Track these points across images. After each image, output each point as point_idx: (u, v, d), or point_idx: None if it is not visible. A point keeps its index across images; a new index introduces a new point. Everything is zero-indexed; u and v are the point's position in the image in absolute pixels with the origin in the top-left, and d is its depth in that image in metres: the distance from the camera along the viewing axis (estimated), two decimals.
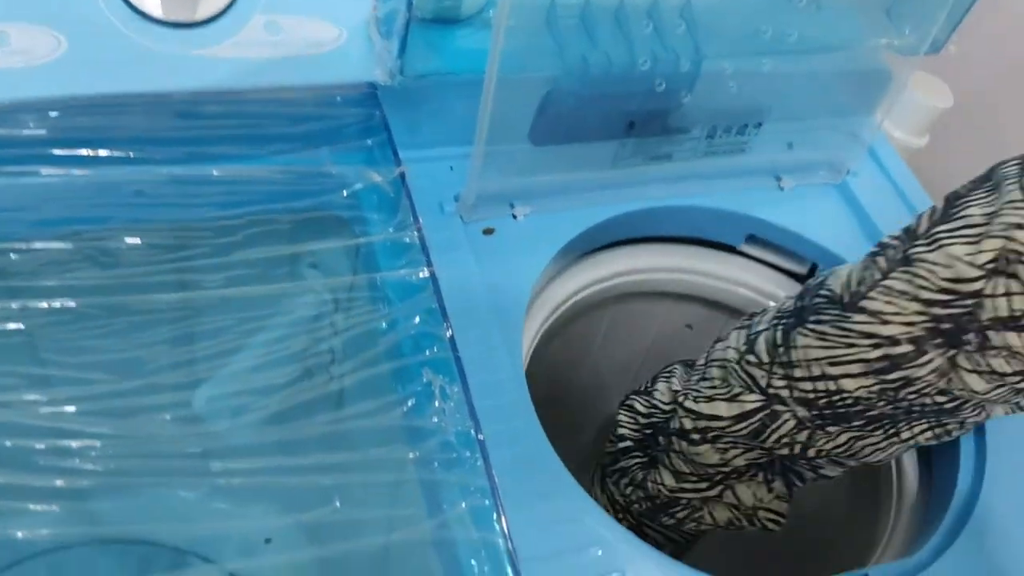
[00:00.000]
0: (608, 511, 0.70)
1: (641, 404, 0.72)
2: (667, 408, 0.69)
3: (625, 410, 0.73)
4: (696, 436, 0.63)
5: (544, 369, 0.81)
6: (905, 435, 0.58)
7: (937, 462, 0.69)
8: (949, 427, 0.58)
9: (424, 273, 0.56)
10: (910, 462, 0.72)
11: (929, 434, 0.58)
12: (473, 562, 0.46)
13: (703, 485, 0.66)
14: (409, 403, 0.51)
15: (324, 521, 0.61)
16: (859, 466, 0.63)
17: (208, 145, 0.56)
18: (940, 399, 0.55)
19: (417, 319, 0.54)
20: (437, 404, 0.51)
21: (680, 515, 0.67)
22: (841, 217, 0.78)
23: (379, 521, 0.54)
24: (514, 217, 0.72)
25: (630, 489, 0.71)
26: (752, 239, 0.79)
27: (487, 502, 0.48)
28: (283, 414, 0.57)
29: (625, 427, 0.72)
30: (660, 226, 0.78)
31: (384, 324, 0.54)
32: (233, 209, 0.55)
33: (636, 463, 0.71)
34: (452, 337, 0.55)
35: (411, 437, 0.50)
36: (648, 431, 0.71)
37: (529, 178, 0.72)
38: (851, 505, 0.79)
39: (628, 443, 0.72)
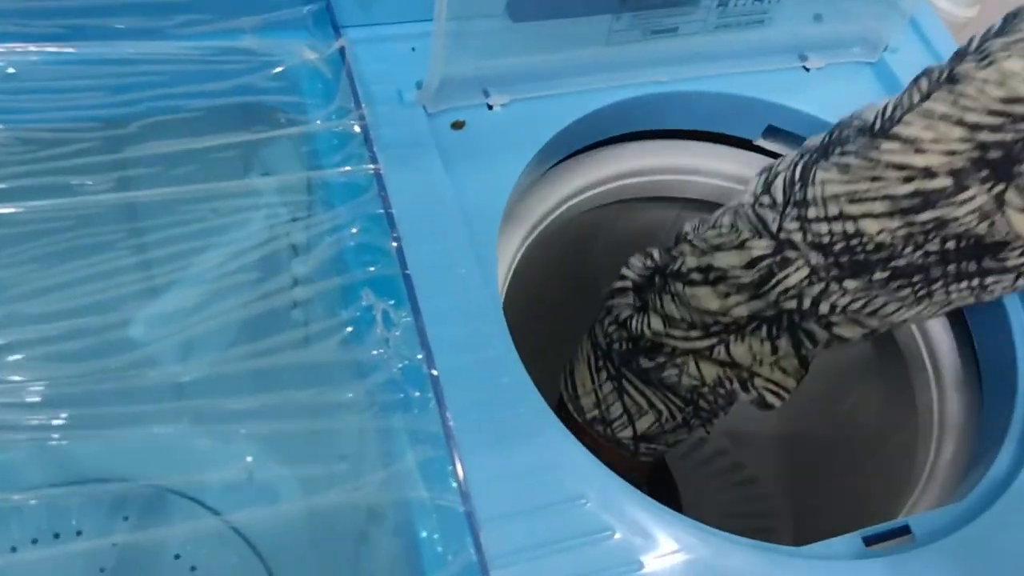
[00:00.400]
0: (589, 361, 0.63)
1: (657, 253, 0.62)
2: (674, 253, 0.59)
3: (640, 255, 0.63)
4: (696, 276, 0.54)
5: (527, 293, 0.70)
6: (938, 295, 0.49)
7: (988, 359, 0.59)
8: (989, 285, 0.49)
9: (368, 169, 0.45)
10: (952, 380, 0.61)
11: (966, 293, 0.49)
12: (423, 532, 0.37)
13: (694, 334, 0.56)
14: (347, 331, 0.41)
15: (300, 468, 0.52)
16: (881, 328, 0.53)
17: (97, 17, 0.45)
18: (978, 247, 0.46)
19: (355, 228, 0.43)
20: (379, 332, 0.41)
21: (661, 360, 0.58)
22: (878, 101, 0.66)
23: (344, 473, 0.46)
24: (489, 107, 0.60)
25: (613, 328, 0.62)
26: (772, 131, 0.68)
27: (440, 453, 0.38)
28: (226, 340, 0.48)
29: (631, 269, 0.63)
30: (663, 117, 0.67)
31: (321, 235, 0.43)
32: (128, 94, 0.44)
33: (626, 304, 0.61)
34: (399, 249, 0.44)
35: (352, 373, 0.41)
36: (648, 274, 0.62)
37: (507, 60, 0.61)
38: (879, 436, 0.69)
39: (627, 283, 0.62)
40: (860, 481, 0.71)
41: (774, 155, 0.69)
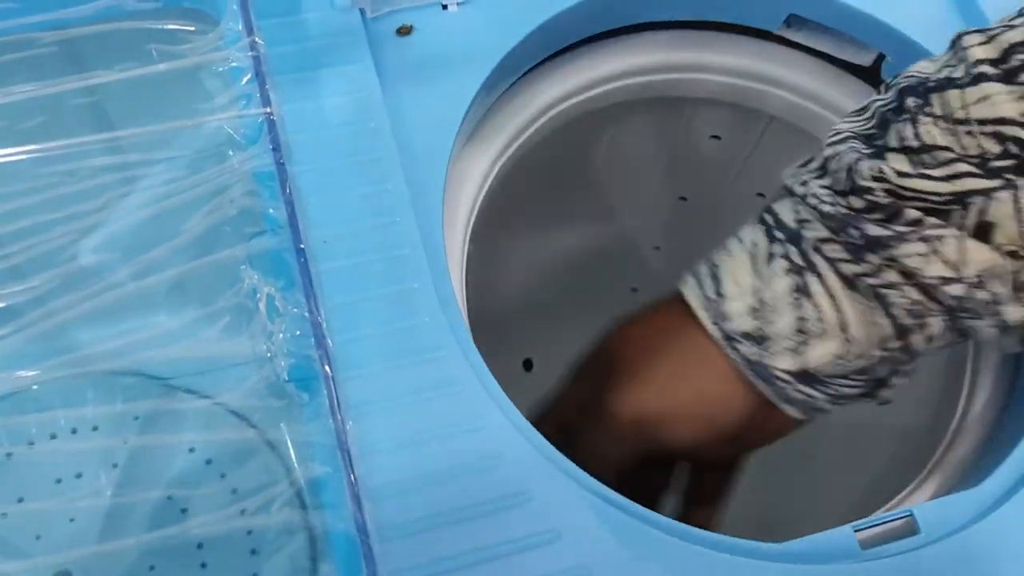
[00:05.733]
0: (755, 249, 0.43)
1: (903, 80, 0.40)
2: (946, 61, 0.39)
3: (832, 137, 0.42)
4: (989, 69, 0.36)
5: (506, 219, 0.62)
6: None
7: None
8: None
9: (258, 113, 0.37)
10: None
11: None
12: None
13: (965, 168, 0.36)
14: (223, 322, 0.35)
15: None
16: None
17: None
18: None
19: (239, 191, 0.36)
20: (261, 324, 0.34)
21: (900, 229, 0.37)
22: None
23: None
24: (444, 7, 0.51)
25: (820, 186, 0.40)
26: (794, 20, 0.56)
27: (332, 474, 0.32)
28: None
29: (846, 121, 0.42)
30: (661, 7, 0.56)
31: (197, 200, 0.36)
32: None
33: (852, 148, 0.40)
34: (292, 215, 0.37)
35: (221, 378, 0.34)
36: (890, 105, 0.40)
37: None
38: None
39: (844, 134, 0.41)
40: (857, 455, 0.64)
41: (798, 47, 0.58)
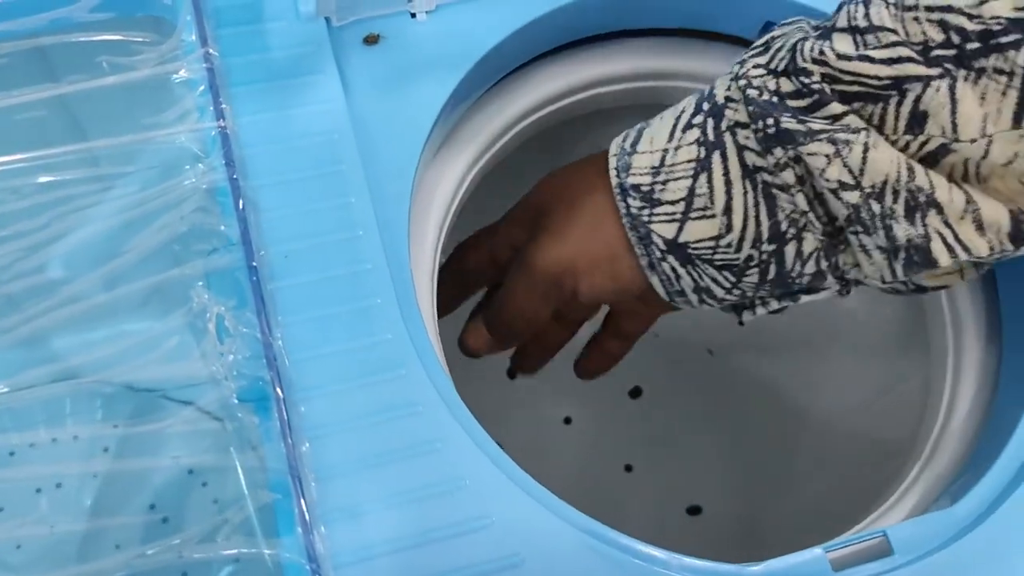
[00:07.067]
0: (679, 116, 0.43)
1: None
2: None
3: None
4: None
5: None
6: None
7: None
8: None
9: (212, 127, 0.36)
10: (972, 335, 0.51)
11: None
12: None
13: (905, 53, 0.37)
14: (174, 342, 0.34)
15: None
16: None
17: None
18: None
19: (190, 207, 0.35)
20: (210, 344, 0.33)
21: (813, 125, 0.37)
22: None
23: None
24: (412, 16, 0.50)
25: (755, 66, 0.40)
26: (770, 28, 0.55)
27: (283, 500, 0.31)
28: None
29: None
30: (638, 15, 0.55)
31: (148, 215, 0.35)
32: None
33: (799, 29, 0.41)
34: (245, 231, 0.36)
35: (183, 395, 0.33)
36: None
37: None
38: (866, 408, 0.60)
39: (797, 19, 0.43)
40: (834, 468, 0.63)
41: None
